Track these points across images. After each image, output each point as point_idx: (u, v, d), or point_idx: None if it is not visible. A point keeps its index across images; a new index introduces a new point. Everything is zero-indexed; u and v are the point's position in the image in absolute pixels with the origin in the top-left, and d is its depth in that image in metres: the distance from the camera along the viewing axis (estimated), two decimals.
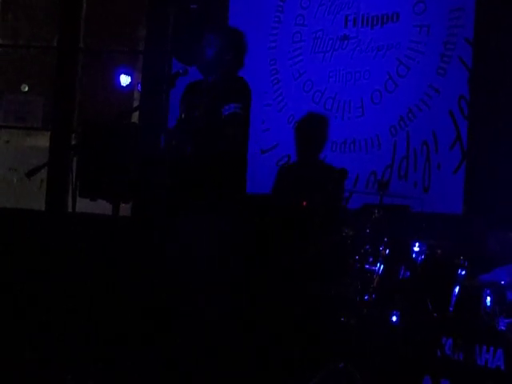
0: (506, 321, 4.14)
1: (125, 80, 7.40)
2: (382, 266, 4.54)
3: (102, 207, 5.24)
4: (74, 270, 5.77)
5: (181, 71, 4.94)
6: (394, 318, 4.36)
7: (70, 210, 5.50)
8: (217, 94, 4.89)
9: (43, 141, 7.13)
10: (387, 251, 4.55)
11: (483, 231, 4.95)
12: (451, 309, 4.34)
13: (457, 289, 4.36)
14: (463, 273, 4.40)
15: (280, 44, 6.33)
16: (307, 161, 5.90)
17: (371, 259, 4.59)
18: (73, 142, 6.78)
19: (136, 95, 7.42)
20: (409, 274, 4.55)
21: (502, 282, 4.26)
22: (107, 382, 4.88)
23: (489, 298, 4.22)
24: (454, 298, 4.35)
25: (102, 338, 5.30)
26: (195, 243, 4.76)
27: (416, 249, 4.52)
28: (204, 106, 4.87)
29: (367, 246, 4.62)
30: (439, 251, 4.56)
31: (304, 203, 5.18)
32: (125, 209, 5.76)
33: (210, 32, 5.08)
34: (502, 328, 4.12)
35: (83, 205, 4.95)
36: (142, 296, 5.42)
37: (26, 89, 7.40)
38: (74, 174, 4.70)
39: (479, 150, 5.52)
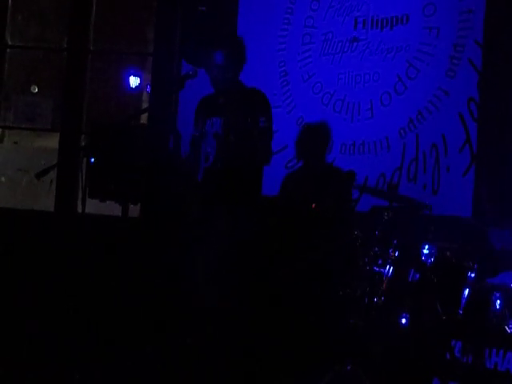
0: None
1: (134, 81, 7.42)
2: (391, 269, 4.53)
3: (112, 208, 5.24)
4: (82, 271, 5.78)
5: (190, 73, 4.93)
6: (403, 321, 4.35)
7: (79, 211, 5.51)
8: (234, 108, 4.87)
9: (52, 142, 7.14)
10: (396, 253, 4.55)
11: (491, 234, 4.94)
12: (460, 311, 4.33)
13: (466, 291, 4.35)
14: (472, 275, 4.39)
15: (289, 46, 6.33)
16: (316, 163, 5.89)
17: (380, 261, 4.58)
18: (82, 143, 6.80)
19: (145, 97, 7.44)
20: (418, 276, 4.54)
21: (511, 285, 4.26)
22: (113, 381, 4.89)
23: (498, 301, 4.21)
24: (464, 301, 4.34)
25: (110, 339, 5.31)
26: (205, 244, 4.76)
27: (425, 251, 4.51)
28: (224, 123, 4.86)
29: (376, 248, 4.62)
30: (448, 254, 4.55)
31: (313, 205, 5.18)
32: (134, 210, 5.76)
33: (216, 48, 5.00)
34: None
35: (93, 206, 4.95)
36: (150, 296, 5.42)
37: (36, 90, 7.42)
38: (84, 175, 4.70)
39: (488, 153, 5.51)
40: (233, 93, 4.92)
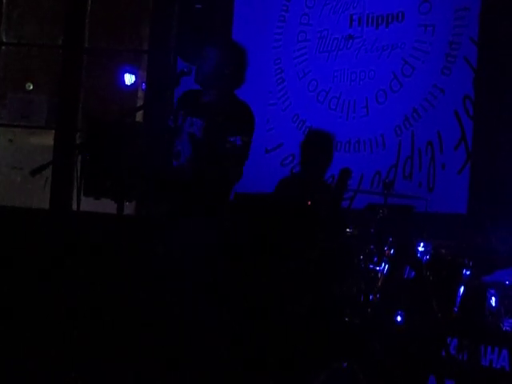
0: (511, 321, 4.13)
1: (129, 79, 7.40)
2: (386, 266, 4.53)
3: (107, 206, 5.23)
4: (77, 269, 5.78)
5: (185, 70, 4.90)
6: (399, 318, 4.36)
7: (74, 208, 5.51)
8: (217, 114, 4.79)
9: (47, 139, 7.13)
10: (392, 251, 4.55)
11: (487, 231, 4.95)
12: (456, 309, 4.33)
13: (461, 289, 4.35)
14: (468, 273, 4.40)
15: (285, 43, 6.33)
16: (312, 162, 5.89)
17: (376, 259, 4.58)
18: (77, 141, 6.79)
19: (140, 94, 7.43)
20: (413, 273, 4.54)
21: (507, 283, 4.26)
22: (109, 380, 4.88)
23: (493, 299, 4.22)
24: (459, 298, 4.34)
25: (103, 337, 5.30)
26: (198, 243, 4.75)
27: (421, 249, 4.52)
28: (204, 127, 4.79)
29: (372, 246, 4.62)
30: (444, 251, 4.55)
31: (308, 202, 5.17)
32: (129, 207, 5.76)
33: (210, 45, 4.93)
34: (507, 328, 4.13)
35: (87, 203, 4.94)
36: (145, 295, 5.41)
37: (31, 87, 7.41)
38: (79, 173, 4.69)
39: (484, 151, 5.51)
40: (221, 100, 4.83)
